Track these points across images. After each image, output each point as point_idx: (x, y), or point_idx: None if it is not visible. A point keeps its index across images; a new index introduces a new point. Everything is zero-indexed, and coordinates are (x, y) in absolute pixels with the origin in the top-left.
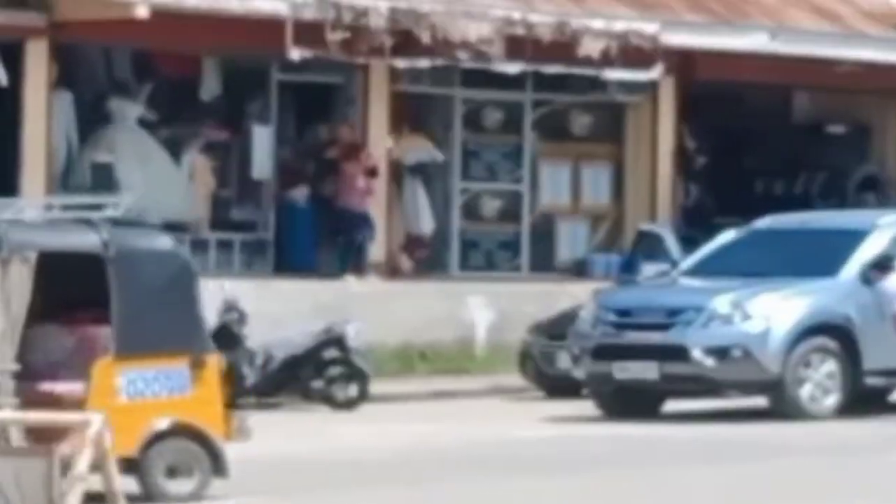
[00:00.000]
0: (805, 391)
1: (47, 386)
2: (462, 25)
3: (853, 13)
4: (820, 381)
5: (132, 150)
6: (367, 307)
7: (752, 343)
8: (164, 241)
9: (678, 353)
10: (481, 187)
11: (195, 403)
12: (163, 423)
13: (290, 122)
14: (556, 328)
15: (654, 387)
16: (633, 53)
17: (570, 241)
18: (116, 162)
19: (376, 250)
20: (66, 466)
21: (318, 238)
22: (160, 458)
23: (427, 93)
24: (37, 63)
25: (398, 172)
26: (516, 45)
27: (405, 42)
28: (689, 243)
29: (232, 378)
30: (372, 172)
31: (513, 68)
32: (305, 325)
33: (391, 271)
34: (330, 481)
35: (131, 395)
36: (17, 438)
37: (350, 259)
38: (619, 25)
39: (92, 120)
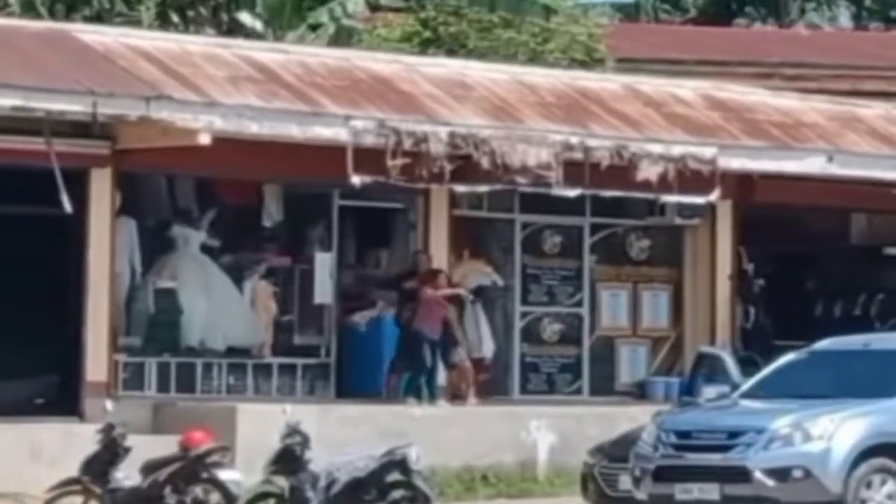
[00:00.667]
0: None
1: None
2: (521, 150)
3: None
4: (881, 501)
5: (195, 276)
6: (429, 431)
7: (814, 464)
8: None
9: (739, 474)
10: (542, 311)
11: None
12: None
13: (350, 246)
14: (618, 450)
15: None
16: (691, 177)
17: (630, 363)
18: (179, 288)
19: (439, 375)
20: None
21: (390, 363)
22: None
23: (486, 217)
24: (101, 191)
25: (459, 297)
26: (575, 170)
27: (465, 167)
28: (748, 365)
29: (296, 501)
30: (452, 299)
31: (571, 192)
32: (368, 448)
33: (453, 395)
34: None
35: None
36: None
37: (419, 384)
38: (677, 150)
39: (155, 246)
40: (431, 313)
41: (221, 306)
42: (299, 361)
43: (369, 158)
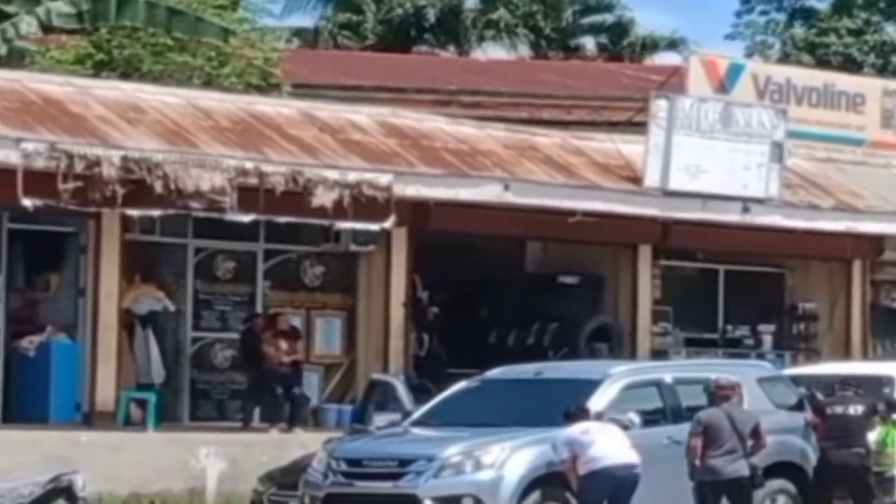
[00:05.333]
0: None
1: None
2: (195, 175)
3: (586, 164)
4: None
5: None
6: (97, 457)
7: (484, 492)
8: None
9: (408, 502)
10: (214, 336)
11: None
12: None
13: (20, 269)
14: (288, 477)
15: None
16: (366, 204)
17: (303, 390)
18: None
19: (104, 400)
20: None
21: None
22: None
23: (159, 242)
24: None
25: (129, 321)
26: (249, 195)
27: (138, 191)
28: (421, 393)
29: None
30: (287, 335)
31: (245, 218)
32: (33, 474)
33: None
34: None
35: None
36: None
37: (291, 413)
38: (353, 176)
39: None
40: (279, 352)
41: None
42: None
43: (40, 181)
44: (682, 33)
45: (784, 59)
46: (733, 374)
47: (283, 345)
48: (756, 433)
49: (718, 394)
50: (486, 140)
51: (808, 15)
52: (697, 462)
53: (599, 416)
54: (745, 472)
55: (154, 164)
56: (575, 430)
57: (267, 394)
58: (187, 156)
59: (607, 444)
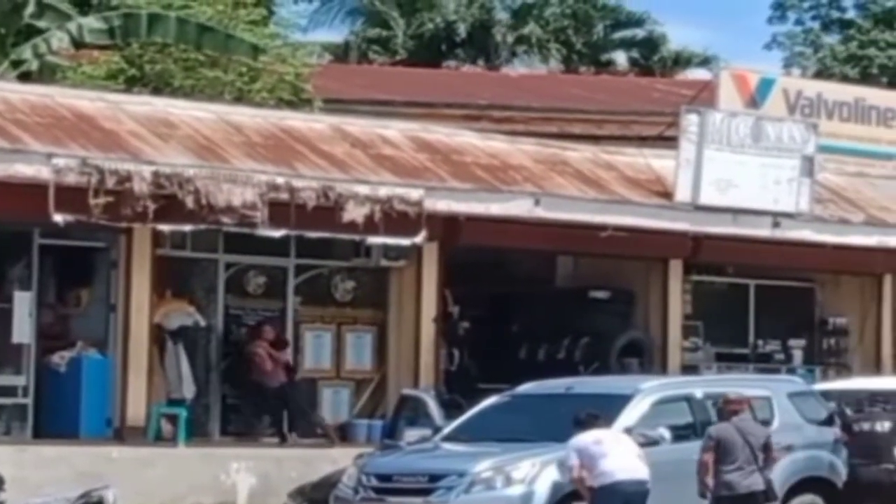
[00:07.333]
0: None
1: None
2: (226, 190)
3: (617, 179)
4: None
5: None
6: (127, 473)
7: None
8: None
9: None
10: None
11: None
12: None
13: (51, 285)
14: (318, 493)
15: None
16: (397, 219)
17: (333, 405)
18: None
19: (135, 415)
20: None
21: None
22: None
23: (190, 257)
24: None
25: (160, 337)
26: (281, 210)
27: (169, 206)
28: (452, 408)
29: None
30: (276, 344)
31: (277, 233)
32: (64, 490)
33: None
34: None
35: None
36: None
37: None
38: (384, 191)
39: None
40: (265, 364)
41: None
42: None
43: (72, 196)
44: (716, 45)
45: (823, 70)
46: (763, 388)
47: (271, 353)
48: (767, 447)
49: (727, 408)
50: (516, 154)
51: (844, 25)
52: (709, 479)
53: (629, 433)
54: (760, 485)
55: (185, 179)
56: (587, 438)
57: (265, 406)
58: (218, 171)
59: (620, 458)
